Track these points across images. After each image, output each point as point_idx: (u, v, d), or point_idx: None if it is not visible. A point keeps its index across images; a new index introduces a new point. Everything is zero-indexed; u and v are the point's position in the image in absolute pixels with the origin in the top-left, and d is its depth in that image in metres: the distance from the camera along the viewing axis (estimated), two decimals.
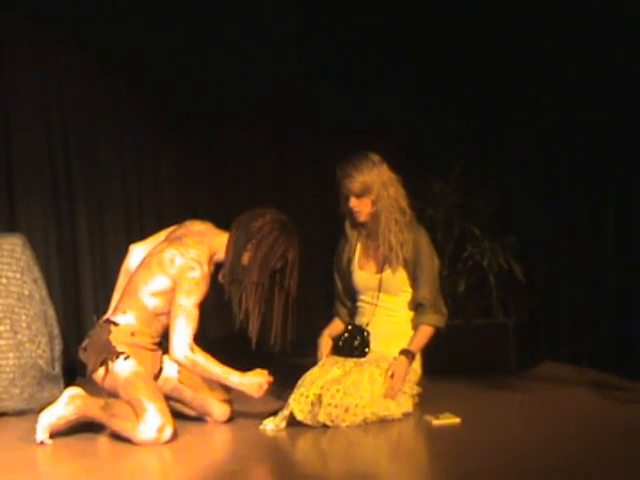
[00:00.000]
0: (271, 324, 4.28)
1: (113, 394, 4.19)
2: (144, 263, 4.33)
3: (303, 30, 6.24)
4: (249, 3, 6.14)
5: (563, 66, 5.35)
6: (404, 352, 4.40)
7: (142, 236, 5.93)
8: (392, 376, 4.30)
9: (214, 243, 4.30)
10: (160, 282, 4.23)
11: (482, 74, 5.73)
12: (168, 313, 4.24)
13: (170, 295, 4.22)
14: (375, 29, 6.08)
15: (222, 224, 4.49)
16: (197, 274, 4.17)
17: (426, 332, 4.46)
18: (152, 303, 4.25)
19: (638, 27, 4.83)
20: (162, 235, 4.46)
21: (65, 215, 6.02)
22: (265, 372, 4.21)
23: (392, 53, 6.07)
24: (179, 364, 4.20)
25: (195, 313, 4.15)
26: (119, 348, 4.17)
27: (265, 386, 4.18)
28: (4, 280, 4.83)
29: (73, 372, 5.33)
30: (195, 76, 6.17)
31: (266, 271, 4.23)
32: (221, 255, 4.30)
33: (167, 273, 4.21)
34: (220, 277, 4.29)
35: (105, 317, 4.32)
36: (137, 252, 4.49)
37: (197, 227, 4.40)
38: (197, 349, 4.15)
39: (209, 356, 4.18)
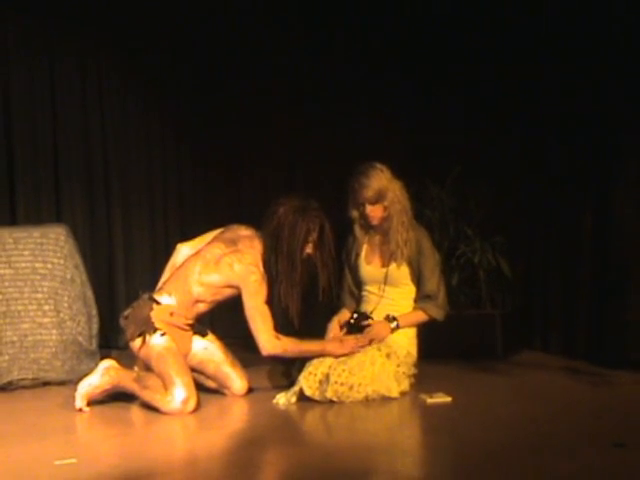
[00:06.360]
0: (323, 282, 4.32)
1: (146, 363, 4.30)
2: (200, 256, 4.37)
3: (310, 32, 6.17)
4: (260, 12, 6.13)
5: (548, 79, 5.31)
6: (391, 319, 4.46)
7: (166, 232, 6.09)
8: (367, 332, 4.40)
9: (262, 246, 4.35)
10: (213, 277, 4.31)
11: (476, 89, 5.71)
12: (208, 302, 4.35)
13: (214, 289, 4.32)
14: (377, 40, 6.04)
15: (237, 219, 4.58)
16: (257, 276, 4.25)
17: (420, 317, 4.53)
18: (197, 290, 4.32)
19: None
20: (208, 237, 4.50)
21: (102, 210, 6.11)
22: (347, 338, 4.38)
23: (397, 66, 6.05)
24: (272, 356, 4.27)
25: (266, 309, 4.23)
26: (157, 325, 4.25)
27: (351, 343, 4.31)
28: (49, 265, 4.90)
29: (107, 347, 5.41)
30: (216, 93, 6.21)
31: (295, 258, 4.27)
32: None
33: (222, 273, 4.29)
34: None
35: (150, 294, 4.37)
36: (183, 251, 4.55)
37: (244, 232, 4.44)
38: (281, 336, 4.22)
39: (293, 338, 4.25)
